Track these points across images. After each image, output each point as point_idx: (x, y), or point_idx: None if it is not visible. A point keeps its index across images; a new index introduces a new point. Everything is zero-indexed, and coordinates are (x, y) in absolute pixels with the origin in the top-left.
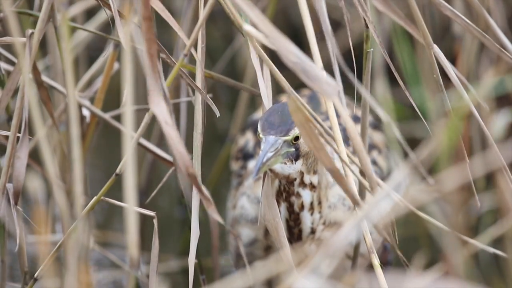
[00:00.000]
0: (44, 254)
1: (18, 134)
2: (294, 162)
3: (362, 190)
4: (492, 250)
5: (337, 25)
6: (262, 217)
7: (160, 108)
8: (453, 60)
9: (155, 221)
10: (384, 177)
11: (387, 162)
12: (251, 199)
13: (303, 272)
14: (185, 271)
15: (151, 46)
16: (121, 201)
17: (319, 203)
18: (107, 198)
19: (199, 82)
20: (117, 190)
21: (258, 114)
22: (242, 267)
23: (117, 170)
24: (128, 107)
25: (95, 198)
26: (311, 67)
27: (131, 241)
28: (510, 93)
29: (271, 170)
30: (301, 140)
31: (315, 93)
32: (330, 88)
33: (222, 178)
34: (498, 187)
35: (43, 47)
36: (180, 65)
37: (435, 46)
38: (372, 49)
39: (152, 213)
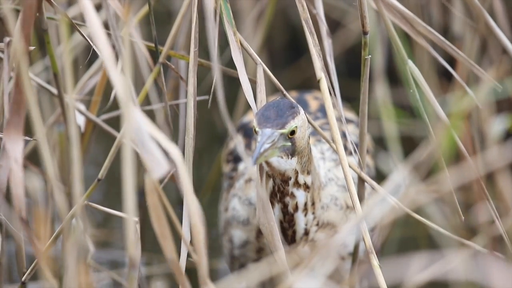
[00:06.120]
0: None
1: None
2: (290, 157)
3: (360, 191)
4: (488, 252)
5: (336, 24)
6: (257, 220)
7: (14, 145)
8: (452, 62)
9: (137, 226)
10: (372, 175)
11: (374, 161)
12: (242, 201)
13: (302, 273)
14: (185, 271)
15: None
16: (121, 203)
17: (313, 203)
18: (91, 203)
19: (191, 85)
20: (117, 192)
21: (248, 117)
22: (237, 269)
23: (99, 176)
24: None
25: (78, 202)
26: (150, 143)
27: (130, 242)
28: (510, 96)
29: (267, 163)
30: (297, 135)
31: (302, 95)
32: (159, 167)
33: (221, 178)
34: (497, 188)
35: (43, 47)
36: (156, 74)
37: (409, 61)
38: (370, 56)
39: (135, 218)
